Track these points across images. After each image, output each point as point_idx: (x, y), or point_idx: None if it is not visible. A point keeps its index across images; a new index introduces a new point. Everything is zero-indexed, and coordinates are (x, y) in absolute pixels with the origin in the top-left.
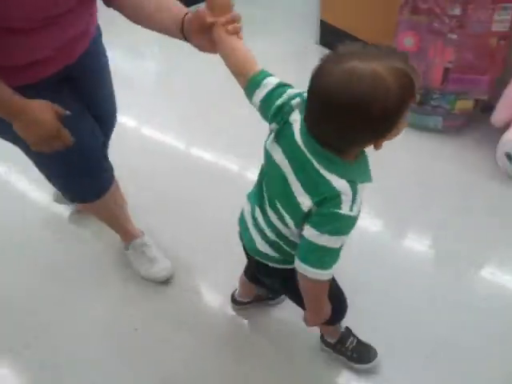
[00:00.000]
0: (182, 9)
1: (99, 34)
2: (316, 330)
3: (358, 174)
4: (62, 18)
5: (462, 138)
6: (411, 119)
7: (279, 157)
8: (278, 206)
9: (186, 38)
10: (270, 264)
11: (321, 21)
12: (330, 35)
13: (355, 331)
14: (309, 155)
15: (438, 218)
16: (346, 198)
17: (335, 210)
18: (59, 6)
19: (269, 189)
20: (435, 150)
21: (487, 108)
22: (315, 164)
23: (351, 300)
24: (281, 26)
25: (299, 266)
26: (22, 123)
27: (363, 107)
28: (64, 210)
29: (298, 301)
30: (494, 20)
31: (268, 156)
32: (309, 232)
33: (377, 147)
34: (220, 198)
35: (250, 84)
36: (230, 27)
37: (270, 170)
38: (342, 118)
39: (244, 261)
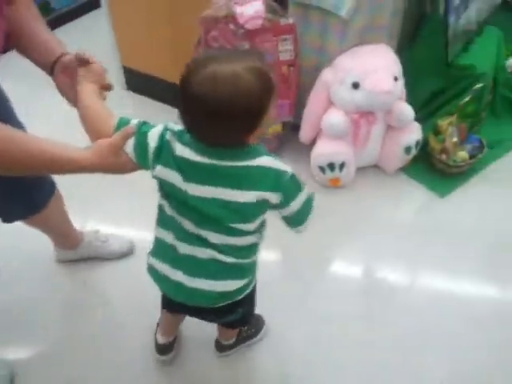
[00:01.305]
0: (60, 45)
1: None
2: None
3: (263, 149)
4: None
5: (280, 159)
6: None
7: (199, 189)
8: (228, 225)
9: (51, 74)
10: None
11: (123, 66)
12: (135, 79)
13: None
14: (223, 164)
15: (271, 236)
16: (280, 165)
17: (286, 178)
18: None
19: (205, 220)
20: None
21: (296, 127)
22: (232, 164)
23: None
24: None
25: (300, 229)
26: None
27: (230, 106)
28: None
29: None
30: (280, 50)
31: (183, 195)
32: (294, 206)
33: (252, 140)
34: None
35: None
36: (99, 91)
37: (198, 206)
38: (218, 120)
39: None
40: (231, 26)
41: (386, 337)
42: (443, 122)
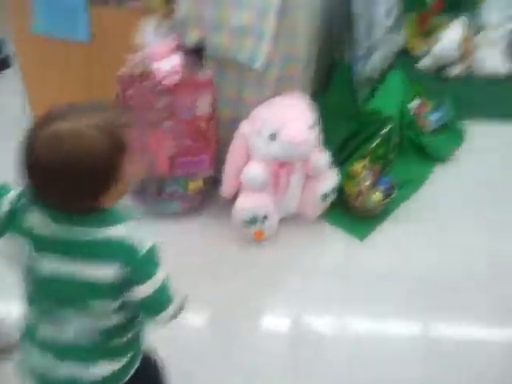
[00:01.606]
0: None
1: None
2: None
3: (123, 215)
4: None
5: (204, 215)
6: (153, 209)
7: (51, 263)
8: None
9: None
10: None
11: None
12: None
13: None
14: (75, 234)
15: (201, 294)
16: (135, 238)
17: (138, 256)
18: None
19: (62, 298)
20: (182, 232)
21: (217, 183)
22: (84, 235)
23: None
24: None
25: (160, 319)
26: None
27: (71, 166)
28: None
29: None
30: (198, 106)
31: (36, 269)
32: (142, 291)
33: (107, 202)
34: None
35: None
36: None
37: (51, 282)
38: (61, 183)
39: None
40: (148, 84)
41: None
42: (357, 166)
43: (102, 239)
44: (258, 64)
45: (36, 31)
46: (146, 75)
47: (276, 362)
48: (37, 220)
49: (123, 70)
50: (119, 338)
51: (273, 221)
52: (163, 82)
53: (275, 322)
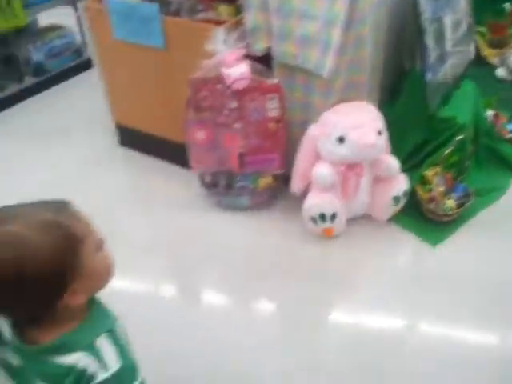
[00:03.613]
0: None
1: None
2: None
3: (88, 333)
4: None
5: (273, 211)
6: (223, 202)
7: (15, 360)
8: None
9: None
10: None
11: (116, 123)
12: (128, 135)
13: None
14: (28, 354)
15: (271, 286)
16: (93, 367)
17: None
18: None
19: None
20: (251, 226)
21: (288, 179)
22: (40, 357)
23: None
24: (80, 133)
25: None
26: None
27: (16, 274)
28: None
29: None
30: (267, 108)
31: (5, 364)
32: None
33: (73, 302)
34: None
35: None
36: None
37: (18, 379)
38: (6, 292)
39: None
40: (219, 86)
41: None
42: (429, 173)
43: (58, 366)
44: (325, 72)
45: (116, 36)
46: (218, 78)
47: (340, 360)
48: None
49: (197, 74)
50: None
51: (341, 219)
52: (232, 87)
53: (341, 320)
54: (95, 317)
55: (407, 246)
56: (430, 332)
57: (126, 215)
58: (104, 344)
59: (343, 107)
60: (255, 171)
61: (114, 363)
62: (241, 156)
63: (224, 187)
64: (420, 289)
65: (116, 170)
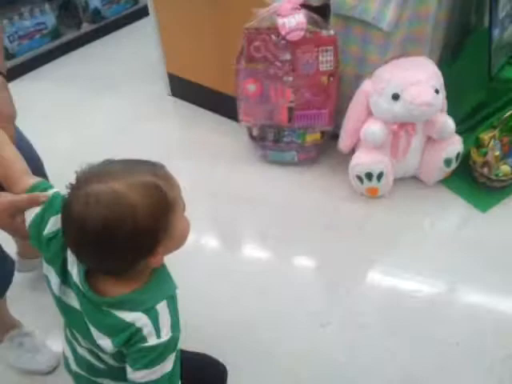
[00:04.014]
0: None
1: None
2: None
3: (152, 296)
4: None
5: (319, 167)
6: (270, 157)
7: (74, 302)
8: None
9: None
10: None
11: (168, 73)
12: (179, 85)
13: None
14: (93, 300)
15: (311, 241)
16: (148, 329)
17: (142, 345)
18: None
19: (76, 331)
20: (296, 181)
21: (335, 136)
22: (103, 307)
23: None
24: (131, 81)
25: None
26: None
27: (110, 230)
28: None
29: None
30: (320, 61)
31: (61, 303)
32: (130, 375)
33: (155, 262)
34: None
35: None
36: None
37: (70, 318)
38: (97, 246)
39: None
40: (273, 37)
41: (408, 353)
42: (485, 136)
43: (116, 317)
44: (385, 25)
45: None
46: (272, 29)
47: (374, 316)
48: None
49: (251, 23)
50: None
51: (388, 179)
52: (287, 38)
53: (379, 278)
54: (160, 280)
55: (455, 210)
56: (468, 298)
57: (172, 165)
58: (163, 310)
59: (400, 62)
60: (303, 126)
61: (166, 332)
62: (290, 110)
63: (271, 141)
64: (464, 253)
65: (166, 120)
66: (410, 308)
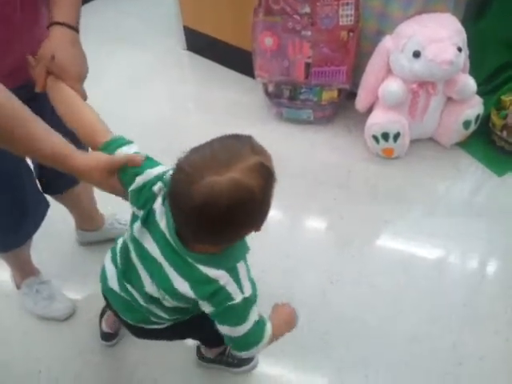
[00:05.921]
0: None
1: None
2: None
3: (233, 256)
4: None
5: (334, 126)
6: (285, 114)
7: (151, 246)
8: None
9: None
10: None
11: (184, 26)
12: (195, 40)
13: None
14: (179, 251)
15: (325, 199)
16: (232, 287)
17: (229, 304)
18: None
19: (142, 269)
20: (311, 140)
21: (351, 95)
22: (188, 259)
23: None
24: (146, 35)
25: (240, 354)
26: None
27: (235, 216)
28: None
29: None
30: (340, 15)
31: (137, 243)
32: (222, 329)
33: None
34: None
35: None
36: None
37: (142, 258)
38: (219, 229)
39: None
40: None
41: (416, 313)
42: (506, 98)
43: (201, 271)
44: None
45: None
46: None
47: (384, 276)
48: (159, 213)
49: None
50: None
51: (405, 140)
52: None
53: (391, 238)
54: (240, 242)
55: (470, 173)
56: (479, 262)
57: (188, 120)
58: (242, 269)
59: (422, 18)
60: (320, 83)
61: (247, 289)
62: (307, 66)
63: (287, 99)
64: (477, 218)
65: (180, 74)
66: (421, 270)
